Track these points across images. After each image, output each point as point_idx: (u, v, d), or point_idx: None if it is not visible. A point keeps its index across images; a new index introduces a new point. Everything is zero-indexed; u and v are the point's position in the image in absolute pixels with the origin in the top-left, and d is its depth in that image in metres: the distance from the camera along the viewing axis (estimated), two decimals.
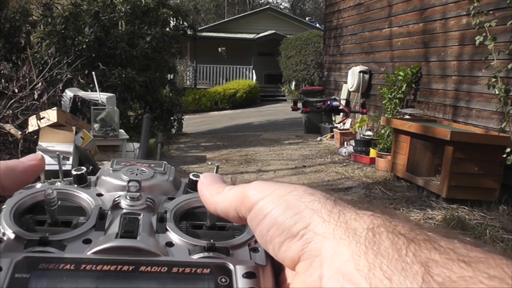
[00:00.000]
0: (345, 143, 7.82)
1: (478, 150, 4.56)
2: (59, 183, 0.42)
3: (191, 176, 0.44)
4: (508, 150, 3.89)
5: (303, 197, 0.32)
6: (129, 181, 0.39)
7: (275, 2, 39.17)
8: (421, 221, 4.28)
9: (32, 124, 4.90)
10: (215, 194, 0.37)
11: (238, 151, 8.26)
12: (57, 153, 0.44)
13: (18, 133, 5.12)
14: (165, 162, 0.46)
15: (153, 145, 7.83)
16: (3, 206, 0.37)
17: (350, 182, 5.82)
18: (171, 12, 10.18)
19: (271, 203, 0.32)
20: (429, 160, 5.44)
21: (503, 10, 4.69)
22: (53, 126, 4.75)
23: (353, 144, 7.40)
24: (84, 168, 0.43)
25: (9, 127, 5.21)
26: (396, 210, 4.32)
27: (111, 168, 0.43)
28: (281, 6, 38.14)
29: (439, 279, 0.25)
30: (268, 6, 29.66)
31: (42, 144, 4.62)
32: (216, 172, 0.42)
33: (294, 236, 0.31)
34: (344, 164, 6.90)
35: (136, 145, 6.50)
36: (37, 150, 4.65)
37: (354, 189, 5.49)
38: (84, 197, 0.40)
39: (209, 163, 7.12)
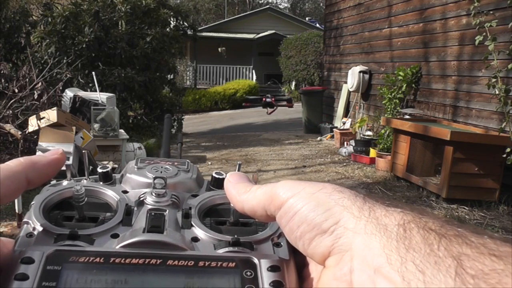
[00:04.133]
0: (345, 143, 7.82)
1: (478, 150, 4.55)
2: (85, 181, 0.43)
3: (214, 174, 0.45)
4: (508, 150, 3.90)
5: (333, 195, 0.33)
6: (155, 178, 0.40)
7: (274, 2, 39.19)
8: None
9: (32, 124, 4.90)
10: (243, 193, 0.37)
11: (238, 151, 8.26)
12: (84, 151, 0.45)
13: (18, 133, 5.12)
14: (188, 160, 0.47)
15: (153, 145, 7.83)
16: (32, 203, 0.39)
17: (350, 182, 5.82)
18: (171, 13, 10.18)
19: (301, 201, 0.33)
20: (429, 160, 5.44)
21: (503, 10, 4.69)
22: (53, 126, 4.75)
23: (353, 144, 7.40)
24: (110, 166, 0.44)
25: (9, 127, 5.21)
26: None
27: (135, 166, 0.44)
28: (281, 6, 38.16)
29: (472, 272, 0.25)
30: (268, 6, 29.67)
31: (42, 144, 4.62)
32: (239, 170, 0.43)
33: (324, 231, 0.32)
34: (344, 164, 6.90)
35: (137, 145, 6.50)
36: (37, 150, 4.65)
37: (354, 189, 5.44)
38: (110, 194, 0.41)
39: (209, 163, 7.12)
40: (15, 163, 0.36)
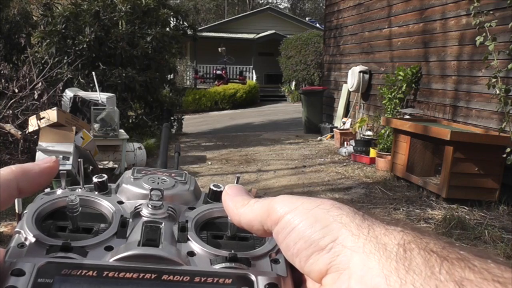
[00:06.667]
0: (345, 143, 7.83)
1: (478, 150, 4.56)
2: (79, 190, 0.42)
3: (211, 186, 0.44)
4: (508, 150, 3.90)
5: (331, 211, 0.32)
6: (151, 190, 0.39)
7: (274, 2, 39.18)
8: (421, 221, 4.29)
9: (32, 124, 4.90)
10: (240, 206, 0.37)
11: (238, 151, 8.26)
12: (79, 159, 0.44)
13: (18, 133, 5.12)
14: (185, 171, 0.46)
15: (153, 145, 7.84)
16: (25, 211, 0.38)
17: (350, 182, 5.82)
18: (171, 13, 10.18)
19: (299, 217, 0.32)
20: (429, 160, 5.44)
21: (503, 10, 4.69)
22: (53, 126, 4.75)
23: (353, 144, 7.40)
24: (105, 176, 0.43)
25: (9, 127, 5.21)
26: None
27: (132, 176, 0.43)
28: (281, 6, 38.14)
29: None
30: (268, 6, 29.67)
31: (42, 144, 4.62)
32: (237, 183, 0.42)
33: (322, 249, 0.31)
34: (344, 164, 6.90)
35: (137, 145, 6.50)
36: (37, 150, 4.65)
37: (354, 189, 5.49)
38: (105, 204, 0.40)
39: (209, 163, 7.12)
40: (6, 171, 0.35)
